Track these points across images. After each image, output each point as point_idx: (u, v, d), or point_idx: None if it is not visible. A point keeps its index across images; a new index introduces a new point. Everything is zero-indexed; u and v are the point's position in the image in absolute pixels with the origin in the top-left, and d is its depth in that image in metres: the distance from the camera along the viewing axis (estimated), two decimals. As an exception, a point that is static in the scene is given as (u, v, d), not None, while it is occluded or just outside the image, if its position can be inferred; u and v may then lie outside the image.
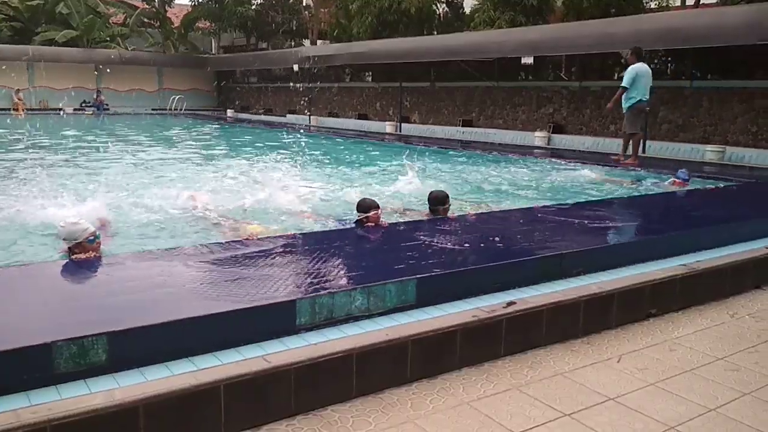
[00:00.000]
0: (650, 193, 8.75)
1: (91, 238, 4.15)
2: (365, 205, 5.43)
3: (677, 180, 8.82)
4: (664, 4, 21.49)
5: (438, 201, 6.16)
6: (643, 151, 12.25)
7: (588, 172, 10.41)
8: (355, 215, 5.51)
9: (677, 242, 5.18)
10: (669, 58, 16.78)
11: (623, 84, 11.08)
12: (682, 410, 3.04)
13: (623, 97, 11.15)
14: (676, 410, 3.04)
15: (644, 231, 5.21)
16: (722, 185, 9.09)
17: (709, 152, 12.51)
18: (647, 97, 11.15)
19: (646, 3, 20.28)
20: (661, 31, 13.08)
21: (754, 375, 3.47)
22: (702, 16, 13.62)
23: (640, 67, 11.02)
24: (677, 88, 14.71)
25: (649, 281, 4.33)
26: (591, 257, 4.56)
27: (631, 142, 11.68)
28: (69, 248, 4.21)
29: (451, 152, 14.95)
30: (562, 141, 16.01)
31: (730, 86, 13.69)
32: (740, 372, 3.50)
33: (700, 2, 19.48)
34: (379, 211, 5.40)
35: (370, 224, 5.29)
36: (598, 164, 11.42)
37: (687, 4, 20.17)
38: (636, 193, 8.80)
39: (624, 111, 11.36)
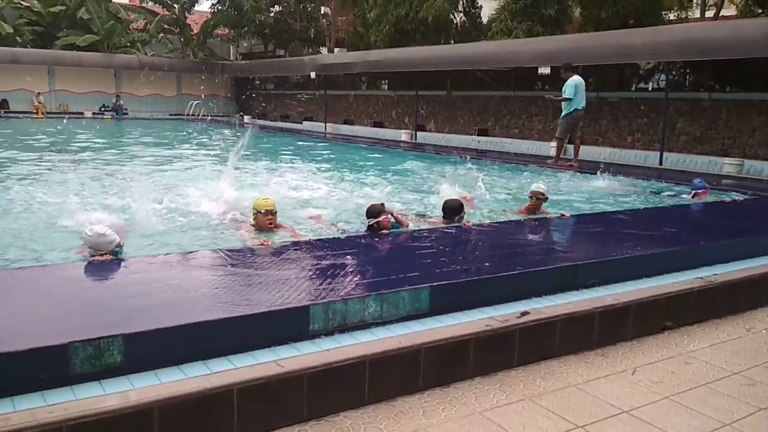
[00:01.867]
0: (666, 204, 8.68)
1: (117, 249, 4.20)
2: (375, 211, 5.39)
3: (699, 191, 8.65)
4: (683, 16, 21.40)
5: (453, 211, 6.13)
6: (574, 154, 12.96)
7: (601, 182, 10.34)
8: (365, 221, 5.50)
9: (693, 255, 5.13)
10: (687, 70, 16.68)
11: (567, 95, 11.96)
12: (697, 424, 3.01)
13: (563, 105, 12.09)
14: (691, 424, 3.01)
15: (660, 243, 5.17)
16: (740, 198, 8.99)
17: (727, 165, 12.39)
18: (583, 105, 12.08)
19: (665, 15, 20.18)
20: (680, 43, 12.99)
21: (770, 390, 3.43)
22: (721, 29, 13.50)
23: (577, 79, 11.99)
24: (696, 99, 14.60)
25: (664, 294, 4.30)
26: (606, 268, 4.54)
27: (573, 146, 12.75)
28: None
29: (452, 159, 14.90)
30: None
31: (749, 99, 13.58)
32: (756, 387, 3.46)
33: (720, 14, 19.37)
34: (389, 215, 5.38)
35: (383, 231, 5.27)
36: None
37: (706, 16, 20.06)
38: (651, 204, 8.74)
39: (560, 118, 12.34)
